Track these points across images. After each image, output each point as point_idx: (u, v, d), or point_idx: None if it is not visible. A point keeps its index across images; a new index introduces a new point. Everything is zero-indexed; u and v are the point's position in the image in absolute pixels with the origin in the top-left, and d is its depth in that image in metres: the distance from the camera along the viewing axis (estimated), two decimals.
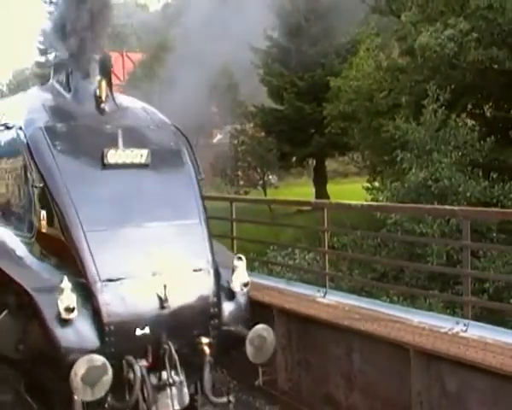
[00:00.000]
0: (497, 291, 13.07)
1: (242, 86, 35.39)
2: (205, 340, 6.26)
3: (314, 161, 32.89)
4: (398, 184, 16.37)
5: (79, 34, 7.29)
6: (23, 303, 6.23)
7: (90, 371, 5.50)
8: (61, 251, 6.43)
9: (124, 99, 8.01)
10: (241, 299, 6.84)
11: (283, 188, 35.53)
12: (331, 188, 31.81)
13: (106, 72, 7.44)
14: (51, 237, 6.58)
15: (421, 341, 6.70)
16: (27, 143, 6.90)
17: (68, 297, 5.75)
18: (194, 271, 6.58)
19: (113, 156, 6.68)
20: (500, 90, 17.57)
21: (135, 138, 7.05)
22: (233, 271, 6.73)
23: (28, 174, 6.88)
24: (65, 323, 5.77)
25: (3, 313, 6.42)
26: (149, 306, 6.18)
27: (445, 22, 16.87)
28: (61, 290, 5.73)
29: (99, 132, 7.05)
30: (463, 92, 17.77)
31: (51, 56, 47.28)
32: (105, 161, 6.66)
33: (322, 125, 25.58)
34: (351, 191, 25.31)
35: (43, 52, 48.51)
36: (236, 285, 6.73)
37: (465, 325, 6.90)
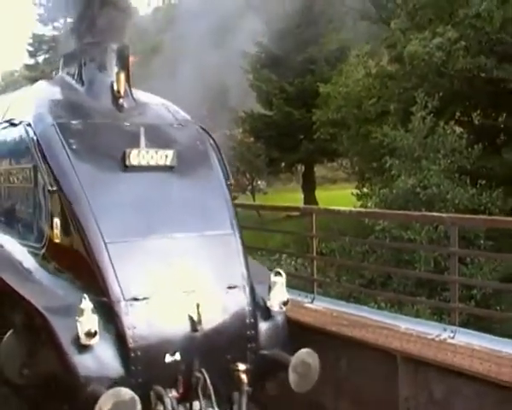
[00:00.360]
0: (484, 298, 13.16)
1: (232, 91, 35.43)
2: (242, 366, 5.52)
3: (303, 167, 32.99)
4: (387, 191, 16.45)
5: (94, 21, 6.71)
6: (32, 323, 5.53)
7: (116, 407, 4.74)
8: (78, 265, 5.68)
9: (141, 94, 7.18)
10: (279, 319, 6.08)
11: (272, 193, 35.56)
12: (320, 194, 31.88)
13: (124, 63, 6.66)
14: (66, 249, 5.85)
15: (409, 347, 6.71)
16: (37, 142, 6.11)
17: (89, 320, 4.97)
18: (229, 288, 5.80)
19: (135, 157, 5.95)
20: (488, 98, 17.72)
21: (157, 138, 6.32)
22: (270, 287, 5.99)
23: (39, 177, 6.14)
24: (84, 349, 5.00)
25: (8, 333, 5.67)
26: (180, 328, 5.42)
27: (433, 30, 17.01)
28: (81, 311, 4.95)
29: (118, 131, 6.32)
30: (451, 100, 17.90)
31: (41, 59, 47.23)
32: (127, 163, 5.92)
33: (311, 131, 25.66)
34: (339, 197, 25.38)
35: (33, 54, 48.34)
36: (275, 304, 5.97)
37: (452, 331, 6.91)
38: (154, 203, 5.96)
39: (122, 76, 6.45)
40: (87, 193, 5.68)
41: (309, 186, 32.23)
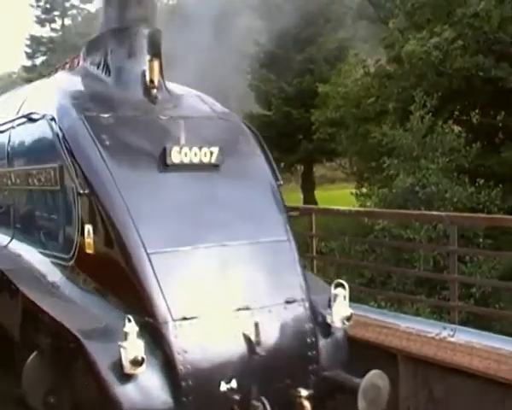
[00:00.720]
0: (483, 296, 13.17)
1: (230, 91, 35.41)
2: (304, 392, 4.85)
3: (302, 167, 32.98)
4: (386, 190, 16.47)
5: (123, 3, 6.07)
6: (61, 347, 4.89)
7: None
8: (116, 279, 5.00)
9: (173, 85, 6.48)
10: (340, 336, 5.43)
11: None
12: (319, 194, 31.89)
13: (157, 50, 5.99)
14: (100, 260, 5.16)
15: (409, 346, 6.75)
16: (64, 138, 5.44)
17: (135, 345, 4.28)
18: (287, 302, 5.14)
19: (177, 155, 5.31)
20: (486, 97, 17.74)
21: (198, 133, 5.64)
22: (330, 300, 5.34)
23: (66, 178, 5.47)
24: (128, 378, 4.31)
25: (32, 355, 4.99)
26: (236, 351, 4.74)
27: (431, 30, 17.05)
28: (125, 335, 4.28)
29: (154, 125, 5.67)
30: (450, 99, 17.92)
31: (38, 61, 47.20)
32: (167, 161, 5.28)
33: (310, 131, 25.68)
34: (338, 197, 25.40)
35: (30, 56, 48.31)
36: (337, 319, 5.29)
37: (452, 329, 6.95)
38: (199, 207, 5.29)
39: (156, 64, 5.81)
40: (124, 196, 5.01)
41: (308, 186, 32.23)
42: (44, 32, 48.14)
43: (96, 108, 5.61)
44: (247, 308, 4.90)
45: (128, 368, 4.27)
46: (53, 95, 6.08)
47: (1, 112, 7.56)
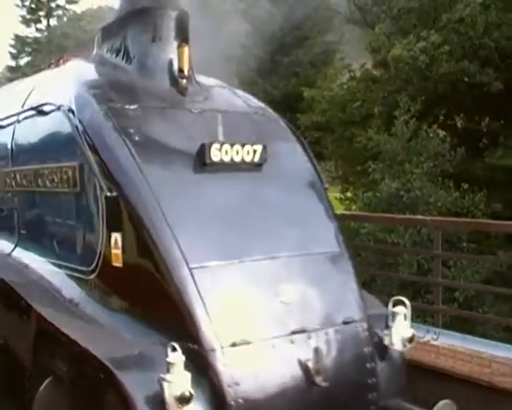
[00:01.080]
0: (466, 300, 13.24)
1: None
2: None
3: None
4: (371, 195, 16.51)
5: None
6: (86, 376, 4.16)
7: None
8: (150, 297, 4.28)
9: (201, 77, 5.74)
10: (398, 359, 4.83)
11: None
12: None
13: (185, 36, 5.25)
14: (130, 275, 4.42)
15: None
16: (85, 132, 4.71)
17: (182, 379, 3.60)
18: (345, 323, 4.54)
19: (217, 153, 4.63)
20: (471, 102, 17.85)
21: (235, 129, 5.02)
22: (387, 319, 4.74)
23: (87, 178, 4.77)
24: None
25: (46, 382, 4.43)
26: (294, 382, 4.12)
27: (417, 35, 17.14)
28: (169, 367, 3.59)
29: (186, 119, 4.99)
30: (435, 104, 18.02)
31: (23, 61, 46.93)
32: (206, 160, 4.60)
33: None
34: None
35: (15, 56, 48.05)
36: (397, 341, 4.66)
37: (436, 333, 6.97)
38: (244, 213, 4.65)
39: (185, 51, 5.15)
40: (159, 199, 4.32)
41: None
42: (29, 32, 47.95)
43: (120, 99, 4.89)
44: (303, 331, 4.27)
45: (173, 406, 3.56)
46: (68, 84, 5.29)
47: (1, 105, 6.88)
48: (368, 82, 20.55)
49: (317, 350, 4.20)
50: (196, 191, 4.60)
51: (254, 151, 4.83)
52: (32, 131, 5.72)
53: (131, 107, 4.82)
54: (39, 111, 5.49)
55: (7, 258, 5.95)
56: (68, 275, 4.98)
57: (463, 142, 17.67)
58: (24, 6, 46.57)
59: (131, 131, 4.60)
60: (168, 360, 3.60)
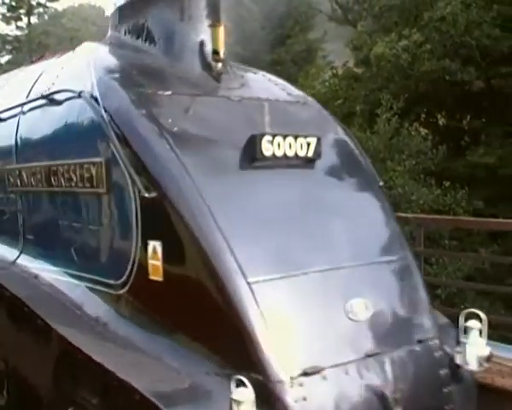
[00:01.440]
0: (449, 297, 13.29)
1: None
2: None
3: None
4: None
5: None
6: (114, 404, 3.57)
7: None
8: (200, 318, 3.56)
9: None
10: (470, 380, 4.19)
11: None
12: None
13: (218, 15, 4.64)
14: (174, 290, 3.68)
15: None
16: (112, 121, 3.97)
17: None
18: (419, 342, 3.99)
19: (269, 146, 3.95)
20: (452, 100, 17.92)
21: (281, 120, 4.33)
22: (458, 334, 4.13)
23: (115, 176, 4.06)
24: None
25: None
26: None
27: (399, 33, 17.19)
28: (237, 405, 2.97)
29: (225, 108, 4.33)
30: (417, 102, 18.08)
31: (4, 59, 46.50)
32: (257, 154, 3.94)
33: None
34: None
35: None
36: (472, 360, 4.00)
37: None
38: (301, 216, 3.99)
39: (220, 31, 4.53)
40: (208, 201, 3.62)
41: None
42: (10, 30, 47.50)
43: (150, 84, 4.24)
44: (377, 353, 3.69)
45: None
46: (86, 68, 4.51)
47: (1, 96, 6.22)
48: (350, 80, 20.59)
49: (393, 375, 3.65)
50: (247, 191, 3.94)
51: (308, 144, 4.16)
52: (42, 123, 4.98)
53: (165, 93, 4.14)
54: (51, 100, 4.78)
55: (11, 267, 5.27)
56: (90, 288, 4.27)
57: (445, 140, 17.74)
58: (4, 4, 46.12)
59: (169, 120, 3.91)
60: (234, 396, 2.94)
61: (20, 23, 47.58)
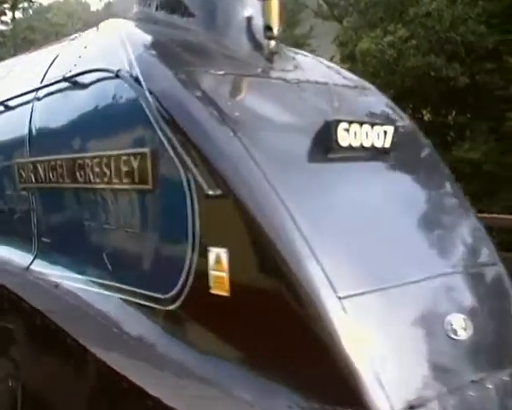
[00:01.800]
0: None
1: None
2: None
3: None
4: None
5: None
6: None
7: None
8: (275, 340, 2.86)
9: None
10: None
11: None
12: None
13: None
14: (243, 308, 2.99)
15: None
16: (159, 104, 3.31)
17: None
18: None
19: (345, 135, 3.31)
20: (438, 96, 18.00)
21: (346, 107, 3.82)
22: None
23: (167, 170, 3.33)
24: None
25: None
26: None
27: (385, 28, 17.25)
28: None
29: (284, 91, 3.69)
30: (402, 97, 18.08)
31: None
32: (333, 145, 3.28)
33: None
34: None
35: None
36: None
37: None
38: (386, 217, 3.38)
39: (274, 3, 3.85)
40: (285, 200, 2.96)
41: None
42: None
43: (198, 62, 3.60)
44: (483, 379, 3.06)
45: None
46: (119, 46, 3.84)
47: (8, 81, 5.57)
48: None
49: (500, 403, 3.07)
50: (324, 189, 3.26)
51: (385, 133, 3.55)
52: (65, 109, 4.28)
53: (218, 72, 3.47)
54: (75, 82, 4.10)
55: (25, 273, 4.57)
56: (127, 301, 3.58)
57: (430, 135, 17.66)
58: None
59: (228, 103, 3.28)
60: None
61: (4, 18, 47.20)
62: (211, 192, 3.01)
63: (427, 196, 3.80)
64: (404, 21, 16.98)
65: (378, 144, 3.50)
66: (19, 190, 4.93)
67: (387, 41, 16.71)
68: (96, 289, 3.84)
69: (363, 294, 2.87)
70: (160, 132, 3.31)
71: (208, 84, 3.36)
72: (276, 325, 2.86)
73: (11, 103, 5.13)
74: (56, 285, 4.13)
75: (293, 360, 2.80)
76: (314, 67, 4.36)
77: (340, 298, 2.76)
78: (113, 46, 3.93)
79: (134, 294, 3.54)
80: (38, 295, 4.14)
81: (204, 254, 3.11)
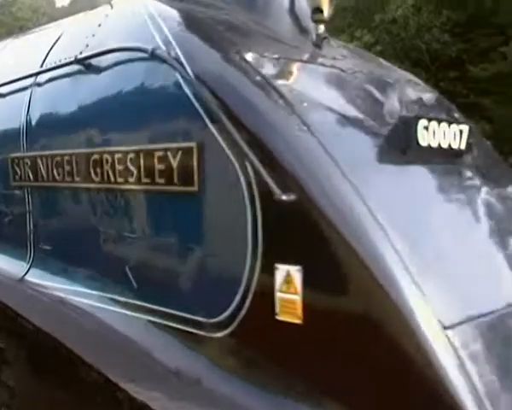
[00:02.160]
0: None
1: None
2: None
3: None
4: None
5: None
6: None
7: None
8: (362, 380, 2.32)
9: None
10: None
11: None
12: None
13: None
14: (320, 340, 2.41)
15: None
16: (208, 90, 2.72)
17: None
18: None
19: (425, 133, 2.88)
20: None
21: (407, 100, 3.38)
22: None
23: (215, 168, 2.73)
24: None
25: None
26: None
27: (351, 34, 17.38)
28: None
29: (342, 81, 3.20)
30: None
31: None
32: (412, 144, 2.79)
33: None
34: None
35: None
36: None
37: None
38: (474, 230, 2.97)
39: None
40: (373, 209, 2.46)
41: None
42: None
43: (244, 44, 3.01)
44: None
45: None
46: (148, 22, 3.25)
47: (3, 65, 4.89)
48: None
49: None
50: (408, 196, 2.77)
51: (461, 133, 3.09)
52: (76, 96, 3.60)
53: (274, 56, 2.94)
54: (89, 65, 3.46)
55: (19, 285, 3.90)
56: (157, 325, 2.93)
57: None
58: None
59: (294, 92, 2.72)
60: None
61: None
62: (284, 197, 2.40)
63: (507, 205, 3.31)
64: (370, 27, 17.16)
65: (454, 145, 3.00)
66: (12, 189, 4.25)
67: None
68: (115, 309, 3.17)
69: (466, 323, 2.36)
70: (210, 124, 2.67)
71: (266, 69, 2.80)
72: (366, 362, 2.31)
73: (2, 91, 4.44)
74: (61, 301, 3.46)
75: (389, 406, 2.27)
76: (360, 58, 3.80)
77: (444, 328, 2.29)
78: (140, 23, 3.28)
79: (166, 315, 2.88)
80: (43, 315, 3.53)
81: (268, 272, 2.50)
